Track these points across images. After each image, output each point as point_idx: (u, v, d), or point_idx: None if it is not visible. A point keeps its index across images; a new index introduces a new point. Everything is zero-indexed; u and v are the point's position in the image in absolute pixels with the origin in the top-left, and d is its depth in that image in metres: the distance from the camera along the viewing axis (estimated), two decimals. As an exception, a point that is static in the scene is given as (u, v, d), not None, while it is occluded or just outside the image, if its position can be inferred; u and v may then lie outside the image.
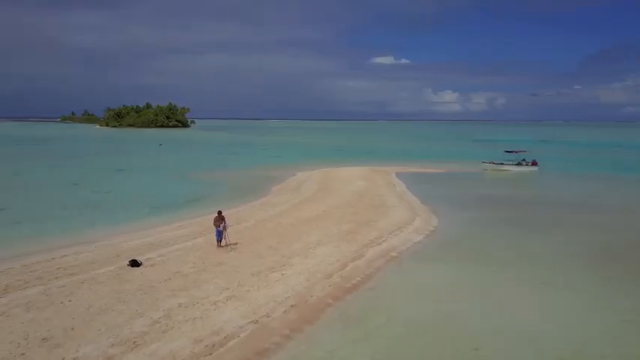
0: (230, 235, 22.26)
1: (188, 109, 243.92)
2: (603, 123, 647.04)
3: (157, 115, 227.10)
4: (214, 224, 21.76)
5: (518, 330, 14.42)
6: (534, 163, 59.48)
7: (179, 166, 62.24)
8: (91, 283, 17.18)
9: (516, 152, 61.20)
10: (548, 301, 16.77)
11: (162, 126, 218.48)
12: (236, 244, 22.27)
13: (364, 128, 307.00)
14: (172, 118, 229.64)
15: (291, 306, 15.60)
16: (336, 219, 28.14)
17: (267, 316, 14.71)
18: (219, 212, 22.02)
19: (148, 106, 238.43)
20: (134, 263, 19.08)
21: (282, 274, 18.37)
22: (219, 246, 21.60)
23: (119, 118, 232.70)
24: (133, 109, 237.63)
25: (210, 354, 12.41)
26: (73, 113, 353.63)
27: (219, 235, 21.62)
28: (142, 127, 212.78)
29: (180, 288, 16.76)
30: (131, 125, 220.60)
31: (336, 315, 15.28)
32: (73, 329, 13.39)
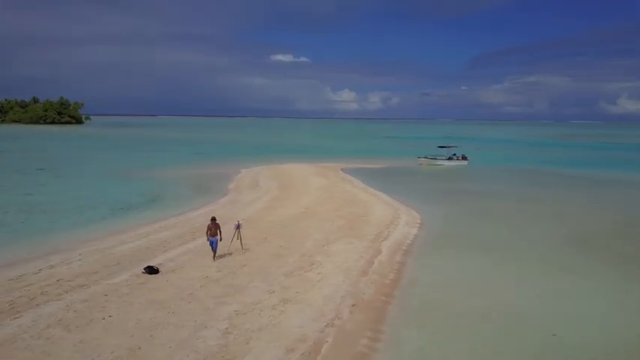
0: (226, 235, 20.30)
1: (82, 105, 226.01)
2: (487, 121, 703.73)
3: (46, 110, 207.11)
4: (207, 232, 18.81)
5: (579, 314, 15.00)
6: (464, 158, 62.99)
7: (106, 165, 57.43)
8: (117, 294, 15.16)
9: (448, 147, 64.40)
10: (582, 285, 17.67)
11: (53, 122, 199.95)
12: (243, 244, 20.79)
13: (269, 126, 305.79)
14: (65, 114, 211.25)
15: (352, 306, 14.93)
16: (323, 216, 27.54)
17: (338, 319, 13.93)
18: (213, 219, 19.03)
19: (35, 100, 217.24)
20: (151, 270, 17.16)
21: (319, 274, 17.54)
22: (215, 258, 18.78)
23: (1, 113, 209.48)
24: (17, 103, 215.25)
25: (313, 363, 11.43)
26: None
27: (215, 245, 18.78)
28: (29, 123, 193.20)
29: (222, 294, 15.36)
30: (16, 121, 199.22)
31: (400, 312, 14.85)
32: (140, 348, 11.67)
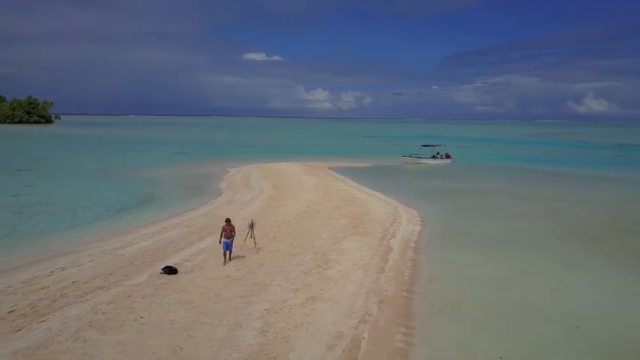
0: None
1: (52, 104, 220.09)
2: (459, 121, 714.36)
3: (14, 109, 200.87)
4: (222, 234, 18.13)
5: (596, 306, 15.50)
6: (448, 156, 63.98)
7: (89, 164, 56.20)
8: (141, 295, 14.96)
9: (432, 146, 65.25)
10: (592, 279, 18.25)
11: (20, 122, 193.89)
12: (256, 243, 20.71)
13: (244, 125, 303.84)
14: (33, 113, 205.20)
15: (379, 302, 15.08)
16: (325, 214, 27.58)
17: (369, 315, 14.07)
18: (228, 220, 18.46)
19: (2, 99, 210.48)
20: (170, 270, 16.97)
21: (339, 271, 17.64)
22: (226, 261, 18.21)
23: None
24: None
25: (356, 358, 11.53)
26: None
27: (228, 247, 18.17)
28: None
29: (248, 293, 15.31)
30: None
31: (425, 308, 15.05)
32: (181, 349, 11.58)
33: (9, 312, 13.80)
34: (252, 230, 19.94)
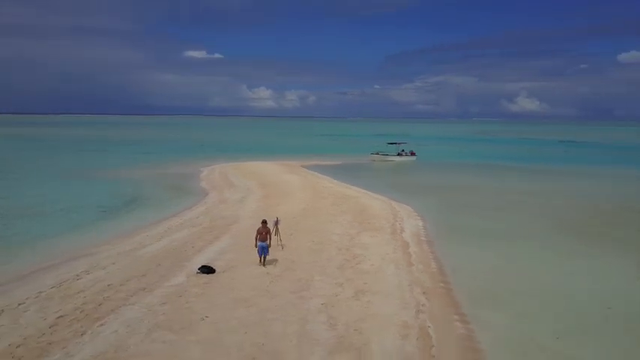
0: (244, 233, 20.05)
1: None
2: (401, 119, 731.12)
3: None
4: (257, 236, 17.54)
5: (618, 288, 16.79)
6: (412, 154, 65.81)
7: (57, 165, 53.64)
8: (191, 295, 14.81)
9: (398, 144, 66.87)
10: (601, 264, 19.67)
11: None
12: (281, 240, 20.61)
13: (190, 124, 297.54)
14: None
15: (424, 293, 15.65)
16: (327, 212, 27.92)
17: (422, 305, 14.61)
18: (264, 222, 17.74)
19: None
20: (208, 270, 16.81)
21: (372, 265, 18.10)
22: (262, 264, 17.61)
23: None
24: None
25: (432, 346, 12.04)
26: None
27: (264, 251, 17.54)
28: None
29: (296, 289, 15.48)
30: None
31: (466, 297, 15.71)
32: (263, 344, 11.66)
33: (59, 317, 13.33)
34: (277, 227, 20.00)
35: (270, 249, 18.06)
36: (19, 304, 14.35)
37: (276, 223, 20.10)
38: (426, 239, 22.81)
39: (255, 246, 17.72)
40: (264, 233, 17.44)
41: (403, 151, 66.24)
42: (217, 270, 17.06)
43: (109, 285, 15.85)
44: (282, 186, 37.58)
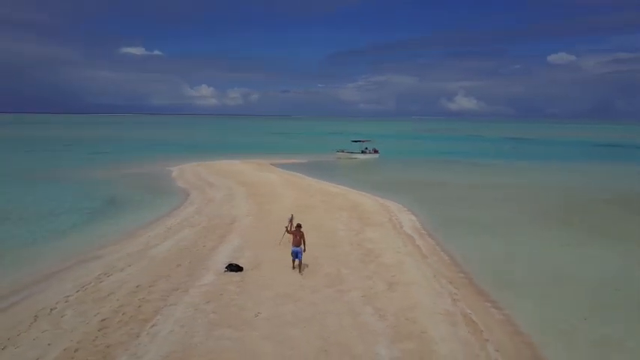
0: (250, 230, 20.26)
1: None
2: (346, 118, 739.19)
3: None
4: (293, 242, 16.76)
5: (618, 272, 18.23)
6: (375, 151, 67.11)
7: (15, 166, 50.69)
8: (233, 293, 14.84)
9: (362, 142, 68.00)
10: (593, 252, 21.16)
11: None
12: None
13: (129, 122, 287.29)
14: None
15: (450, 282, 16.40)
16: (323, 208, 28.21)
17: (455, 294, 15.34)
18: (299, 226, 17.02)
19: None
20: (236, 268, 16.83)
21: (391, 258, 18.68)
22: (295, 268, 16.94)
23: None
24: None
25: (482, 331, 12.75)
26: None
27: (297, 255, 16.67)
28: None
29: (330, 283, 15.85)
30: None
31: (490, 285, 16.56)
32: (329, 336, 11.93)
33: (102, 320, 13.05)
34: (291, 223, 20.15)
35: (285, 245, 18.19)
36: (52, 309, 13.92)
37: (291, 220, 20.25)
38: (426, 232, 23.64)
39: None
40: (298, 237, 16.69)
41: (367, 149, 67.45)
42: (246, 268, 17.07)
43: (137, 286, 15.56)
44: (263, 184, 37.54)
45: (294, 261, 17.01)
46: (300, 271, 16.66)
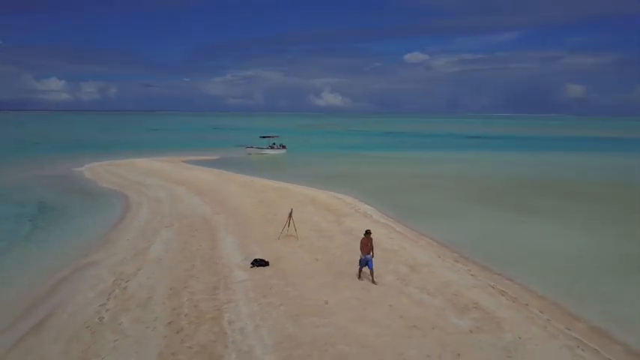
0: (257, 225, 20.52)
1: None
2: (212, 113, 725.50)
3: None
4: (362, 250, 15.44)
5: (588, 242, 21.59)
6: (283, 147, 68.23)
7: None
8: (280, 286, 15.09)
9: (270, 137, 68.55)
10: (552, 226, 24.62)
11: None
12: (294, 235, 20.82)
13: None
14: None
15: (456, 261, 18.31)
16: (285, 203, 28.00)
17: (469, 270, 17.18)
18: (368, 232, 15.77)
19: None
20: (262, 263, 17.00)
21: (391, 245, 19.96)
22: (372, 279, 15.48)
23: None
24: None
25: (516, 297, 14.73)
26: None
27: (369, 264, 15.38)
28: None
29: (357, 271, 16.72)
30: None
31: (500, 263, 18.29)
32: (415, 316, 12.98)
33: (169, 323, 12.70)
34: (291, 218, 20.62)
35: (288, 238, 18.86)
36: (100, 318, 13.20)
37: (290, 214, 20.72)
38: (396, 219, 25.37)
39: (362, 257, 15.52)
40: (368, 246, 15.48)
41: (274, 144, 68.16)
42: (271, 263, 17.23)
43: (171, 289, 15.10)
44: (200, 182, 36.68)
45: (360, 269, 15.64)
46: (373, 281, 15.34)
